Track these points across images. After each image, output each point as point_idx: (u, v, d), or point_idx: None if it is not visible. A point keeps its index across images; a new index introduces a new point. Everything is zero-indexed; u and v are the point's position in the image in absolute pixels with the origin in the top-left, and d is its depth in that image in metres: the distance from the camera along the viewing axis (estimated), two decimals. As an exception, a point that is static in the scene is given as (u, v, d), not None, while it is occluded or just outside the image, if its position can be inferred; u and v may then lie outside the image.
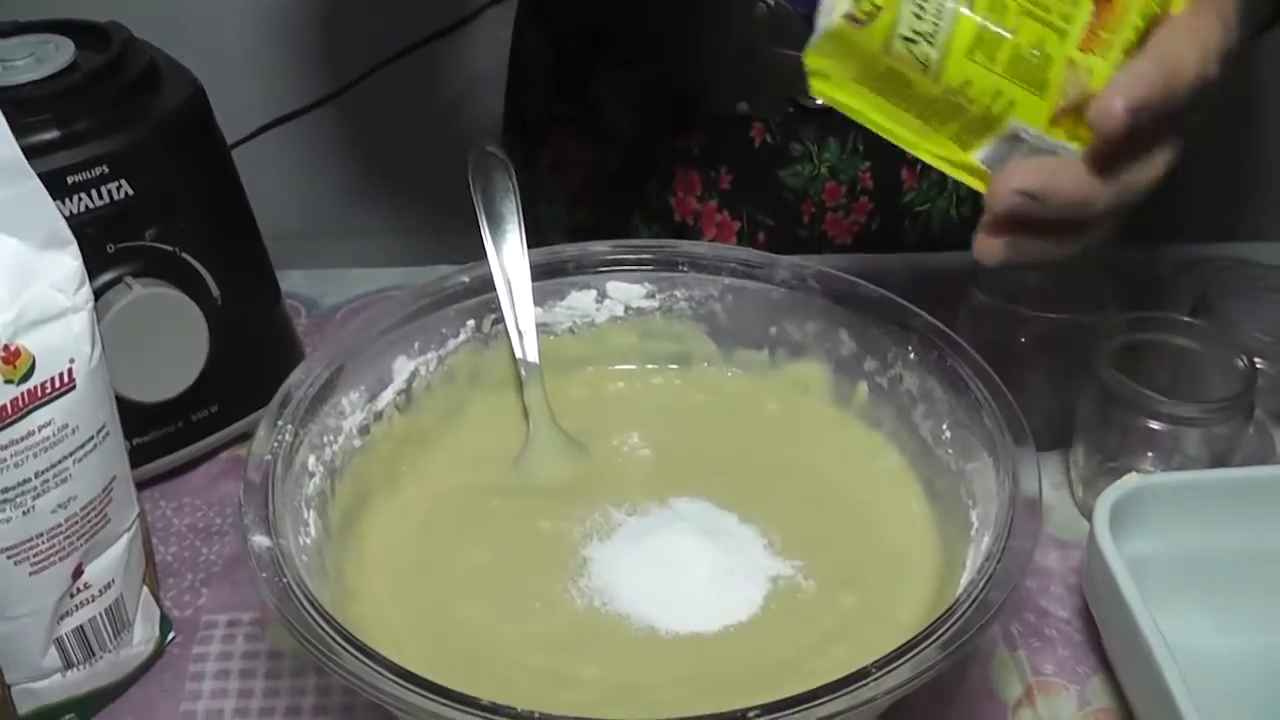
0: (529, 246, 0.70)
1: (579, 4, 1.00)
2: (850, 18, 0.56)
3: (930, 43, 0.56)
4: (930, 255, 0.94)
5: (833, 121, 0.95)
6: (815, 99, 0.60)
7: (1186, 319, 0.72)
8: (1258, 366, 0.71)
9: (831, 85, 0.59)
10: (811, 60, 0.59)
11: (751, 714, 0.47)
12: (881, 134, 0.60)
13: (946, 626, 0.50)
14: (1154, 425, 0.69)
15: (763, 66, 0.93)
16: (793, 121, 0.96)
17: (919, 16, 0.56)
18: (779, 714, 0.47)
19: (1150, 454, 0.71)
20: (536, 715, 0.47)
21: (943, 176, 0.98)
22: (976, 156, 0.59)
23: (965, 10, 0.55)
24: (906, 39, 0.56)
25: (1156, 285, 0.88)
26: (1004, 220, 0.57)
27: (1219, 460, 0.69)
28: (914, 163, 0.98)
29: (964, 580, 0.54)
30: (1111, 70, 0.56)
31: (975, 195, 0.59)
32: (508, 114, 1.13)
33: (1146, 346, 0.73)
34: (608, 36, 0.99)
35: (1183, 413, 0.68)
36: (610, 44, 0.99)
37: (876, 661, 0.48)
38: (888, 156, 0.97)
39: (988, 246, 0.58)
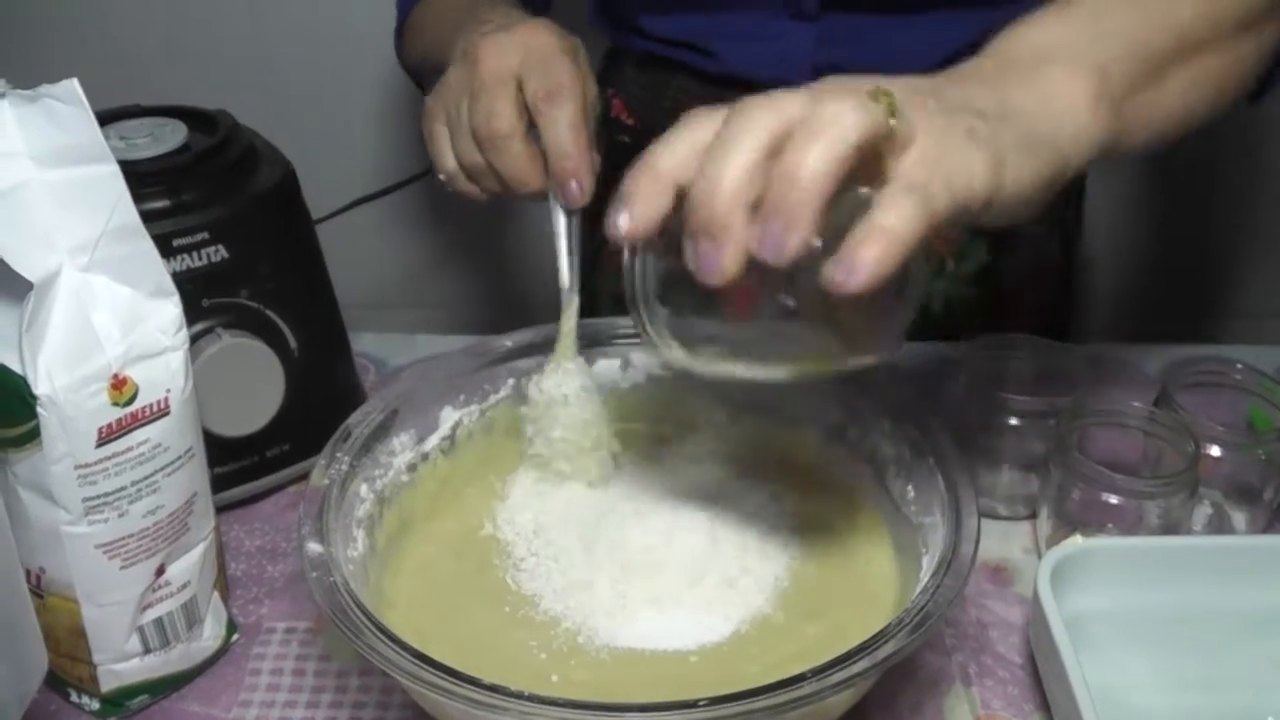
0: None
1: (631, 108, 1.10)
2: None
3: None
4: (925, 345, 1.02)
5: None
6: None
7: (1142, 406, 0.81)
8: (1214, 454, 0.79)
9: None
10: None
11: (701, 703, 0.56)
12: None
13: (873, 648, 0.59)
14: (1110, 499, 0.77)
15: None
16: None
17: None
18: (724, 705, 0.56)
19: (1109, 525, 0.79)
20: (526, 695, 0.56)
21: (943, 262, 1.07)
22: None
23: None
24: None
25: (1128, 378, 0.97)
26: None
27: (1170, 531, 0.77)
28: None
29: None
30: None
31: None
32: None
33: (1113, 431, 0.81)
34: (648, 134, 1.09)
35: (1133, 487, 0.76)
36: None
37: (813, 669, 0.57)
38: None
39: None
